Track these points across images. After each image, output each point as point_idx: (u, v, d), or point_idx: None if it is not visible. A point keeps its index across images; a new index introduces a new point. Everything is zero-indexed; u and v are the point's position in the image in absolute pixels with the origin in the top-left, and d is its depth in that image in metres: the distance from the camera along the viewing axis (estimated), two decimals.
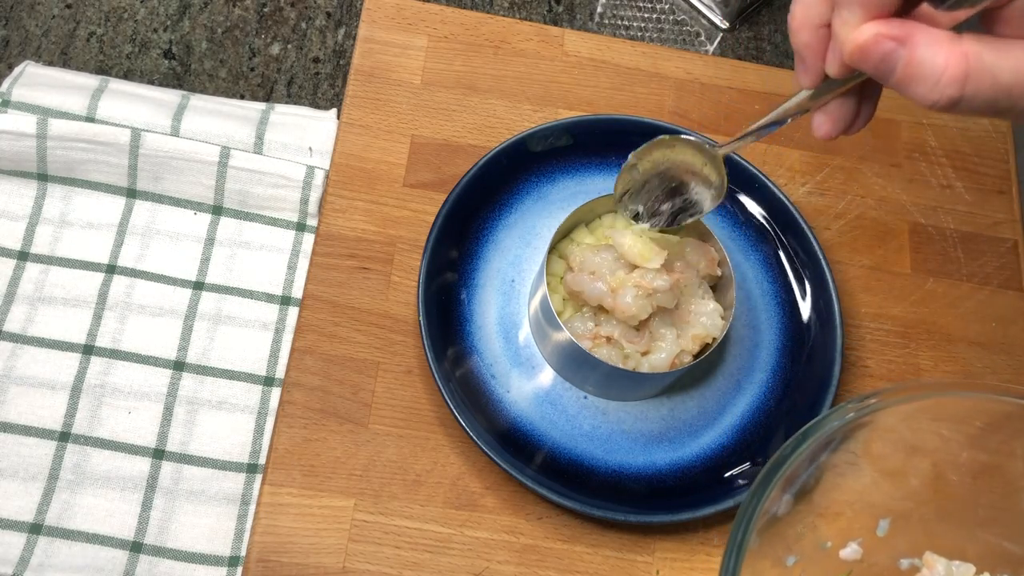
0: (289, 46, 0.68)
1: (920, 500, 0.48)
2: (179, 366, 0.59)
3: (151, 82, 0.67)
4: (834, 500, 0.47)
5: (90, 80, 0.64)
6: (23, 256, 0.61)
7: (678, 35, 0.72)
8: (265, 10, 0.69)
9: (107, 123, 0.62)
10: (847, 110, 0.40)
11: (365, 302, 0.57)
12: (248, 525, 0.55)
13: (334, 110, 0.65)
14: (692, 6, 0.73)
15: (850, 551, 0.48)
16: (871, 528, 0.48)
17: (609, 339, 0.52)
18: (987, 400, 0.45)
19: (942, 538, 0.48)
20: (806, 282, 0.59)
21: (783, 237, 0.60)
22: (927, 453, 0.47)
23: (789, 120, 0.42)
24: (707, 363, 0.57)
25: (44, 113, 0.61)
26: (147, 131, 0.61)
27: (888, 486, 0.48)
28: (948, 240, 0.64)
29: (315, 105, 0.67)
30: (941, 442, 0.47)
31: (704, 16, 0.73)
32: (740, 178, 0.61)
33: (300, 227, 0.63)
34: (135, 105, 0.62)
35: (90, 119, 0.62)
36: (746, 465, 0.54)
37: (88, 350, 0.59)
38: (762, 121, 0.44)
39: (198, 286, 0.61)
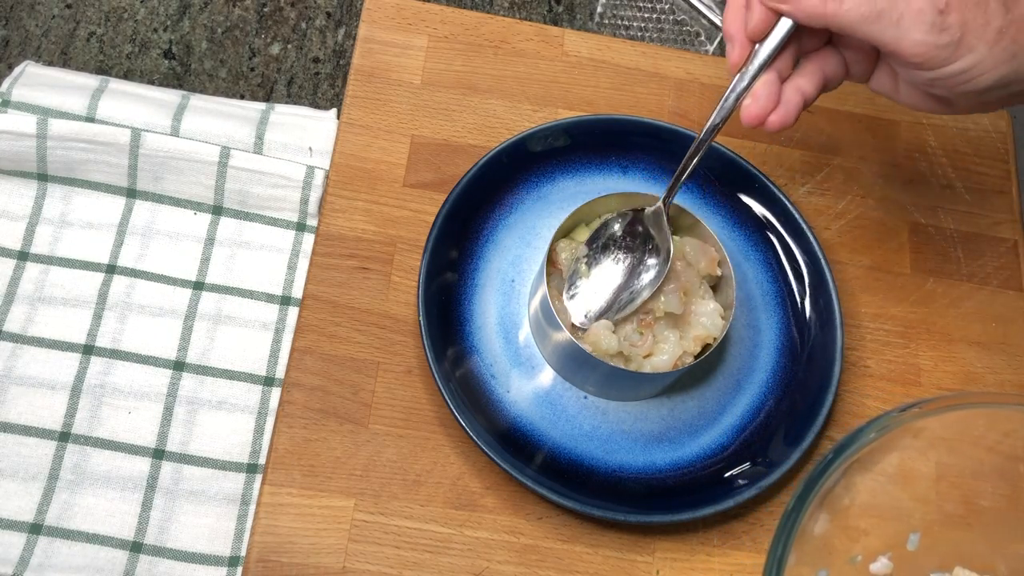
0: (289, 46, 0.68)
1: (951, 514, 0.48)
2: (179, 366, 0.59)
3: (151, 82, 0.67)
4: (865, 513, 0.46)
5: (90, 80, 0.64)
6: (23, 256, 0.61)
7: (678, 35, 0.72)
8: (265, 10, 0.69)
9: (107, 123, 0.61)
10: (770, 89, 0.47)
11: (365, 302, 0.57)
12: (248, 525, 0.55)
13: (334, 110, 0.65)
14: (692, 6, 0.73)
15: (880, 565, 0.47)
16: (901, 542, 0.48)
17: None
18: (1021, 412, 0.45)
19: (973, 552, 0.48)
20: (806, 282, 0.59)
21: (783, 237, 0.60)
22: (960, 466, 0.47)
23: (729, 115, 0.48)
24: (707, 363, 0.57)
25: (44, 113, 0.61)
26: (147, 131, 0.61)
27: (919, 500, 0.47)
28: (948, 240, 0.64)
29: (315, 105, 0.67)
30: (974, 455, 0.47)
31: (704, 16, 0.73)
32: (740, 178, 0.61)
33: (300, 227, 0.63)
34: (135, 105, 0.62)
35: (90, 119, 0.62)
36: (746, 465, 0.54)
37: (88, 350, 0.59)
38: (707, 126, 0.49)
39: (198, 286, 0.61)
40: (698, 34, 0.72)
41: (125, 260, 0.61)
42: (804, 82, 0.47)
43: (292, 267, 0.62)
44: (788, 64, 0.47)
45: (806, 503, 0.42)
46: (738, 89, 0.47)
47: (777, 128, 0.47)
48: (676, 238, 0.54)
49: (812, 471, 0.43)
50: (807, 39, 0.47)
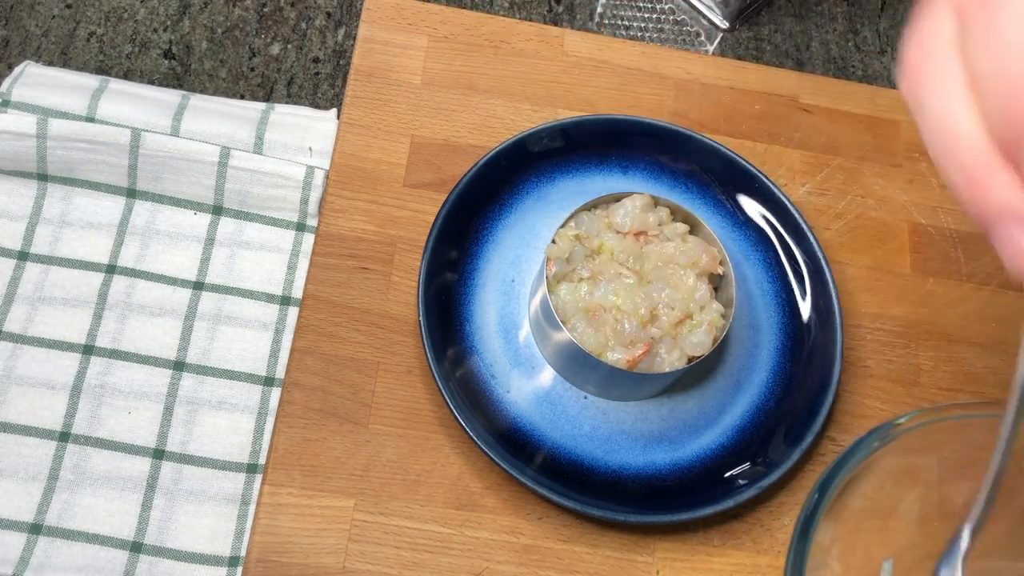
0: (289, 46, 0.68)
1: (925, 536, 0.47)
2: (179, 366, 0.59)
3: (151, 82, 0.67)
4: (837, 543, 0.46)
5: (90, 80, 0.64)
6: (23, 256, 0.61)
7: (678, 35, 0.72)
8: (265, 10, 0.69)
9: (107, 123, 0.61)
10: None
11: (365, 302, 0.57)
12: (248, 525, 0.55)
13: (334, 110, 0.65)
14: (692, 6, 0.73)
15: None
16: (875, 571, 0.47)
17: None
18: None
19: None
20: (806, 282, 0.59)
21: (783, 237, 0.60)
22: (930, 485, 0.46)
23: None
24: (707, 363, 0.57)
25: (44, 113, 0.61)
26: (147, 131, 0.61)
27: (891, 524, 0.47)
28: (948, 240, 0.64)
29: (315, 105, 0.67)
30: (942, 472, 0.46)
31: (704, 16, 0.73)
32: (740, 178, 0.61)
33: (300, 227, 0.63)
34: (135, 105, 0.62)
35: (90, 119, 0.62)
36: (746, 465, 0.54)
37: (88, 350, 0.59)
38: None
39: (198, 286, 0.61)
40: (698, 34, 0.72)
41: (125, 260, 0.61)
42: None
43: (292, 267, 0.62)
44: None
45: (808, 538, 0.41)
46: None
47: None
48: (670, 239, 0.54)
49: (811, 503, 0.42)
50: None
